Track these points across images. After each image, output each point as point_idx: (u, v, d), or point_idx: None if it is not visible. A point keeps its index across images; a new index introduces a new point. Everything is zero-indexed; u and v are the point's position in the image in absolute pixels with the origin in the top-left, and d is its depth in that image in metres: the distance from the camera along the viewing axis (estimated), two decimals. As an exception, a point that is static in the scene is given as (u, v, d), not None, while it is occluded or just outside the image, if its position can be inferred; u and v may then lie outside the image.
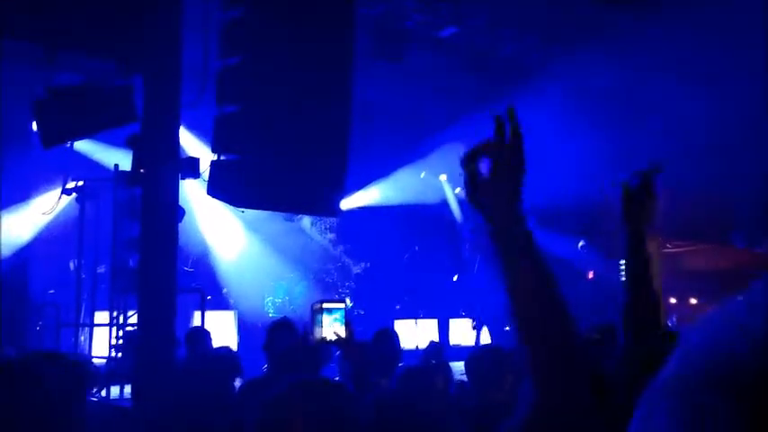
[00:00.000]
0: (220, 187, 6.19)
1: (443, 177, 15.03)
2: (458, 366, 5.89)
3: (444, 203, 15.16)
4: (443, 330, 12.87)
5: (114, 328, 7.87)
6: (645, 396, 0.47)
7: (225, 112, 6.15)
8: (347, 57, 6.48)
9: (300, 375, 3.52)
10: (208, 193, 6.30)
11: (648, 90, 14.38)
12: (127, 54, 6.16)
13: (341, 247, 14.25)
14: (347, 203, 12.88)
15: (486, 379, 3.69)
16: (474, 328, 12.87)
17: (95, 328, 8.70)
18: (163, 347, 6.04)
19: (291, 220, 13.15)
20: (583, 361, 1.24)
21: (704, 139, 14.19)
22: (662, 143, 15.83)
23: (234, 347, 10.55)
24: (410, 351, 8.66)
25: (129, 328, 7.67)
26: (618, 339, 3.40)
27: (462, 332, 13.06)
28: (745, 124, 13.57)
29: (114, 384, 7.45)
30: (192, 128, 9.91)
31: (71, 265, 10.00)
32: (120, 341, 7.75)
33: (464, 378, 4.38)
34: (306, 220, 13.47)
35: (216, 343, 6.55)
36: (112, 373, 7.29)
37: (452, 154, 13.62)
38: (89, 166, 9.81)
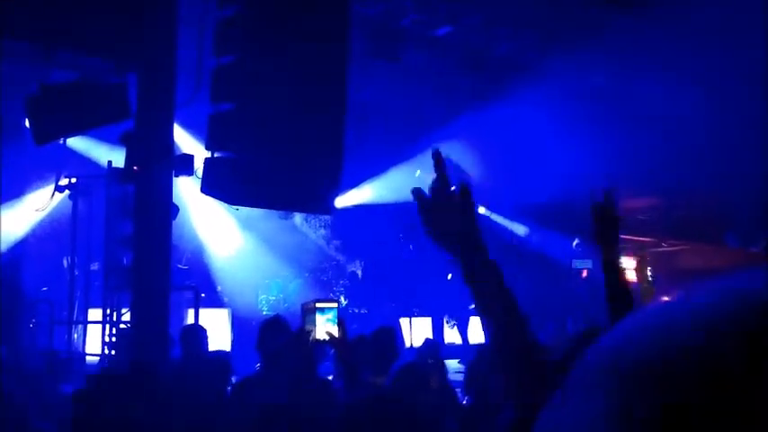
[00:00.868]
0: (214, 185, 6.18)
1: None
2: (452, 364, 5.90)
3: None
4: (438, 329, 12.88)
5: (108, 326, 7.85)
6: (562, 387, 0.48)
7: (219, 109, 6.14)
8: (342, 55, 6.48)
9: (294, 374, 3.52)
10: (201, 191, 6.29)
11: (645, 90, 14.41)
12: (122, 52, 6.15)
13: (335, 243, 14.25)
14: (342, 201, 12.87)
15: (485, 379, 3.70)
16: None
17: (89, 326, 8.68)
18: (156, 345, 6.04)
19: (286, 218, 13.13)
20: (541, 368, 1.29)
21: (701, 139, 14.22)
22: (659, 143, 15.88)
23: (227, 345, 10.58)
24: (405, 349, 8.65)
25: (122, 326, 7.65)
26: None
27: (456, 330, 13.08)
28: (742, 125, 13.61)
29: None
30: (187, 125, 9.89)
31: (64, 263, 9.97)
32: (114, 338, 7.73)
33: (458, 376, 4.40)
34: (298, 217, 13.46)
35: (210, 341, 6.53)
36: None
37: (448, 152, 13.65)
38: (82, 163, 9.78)
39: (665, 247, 16.16)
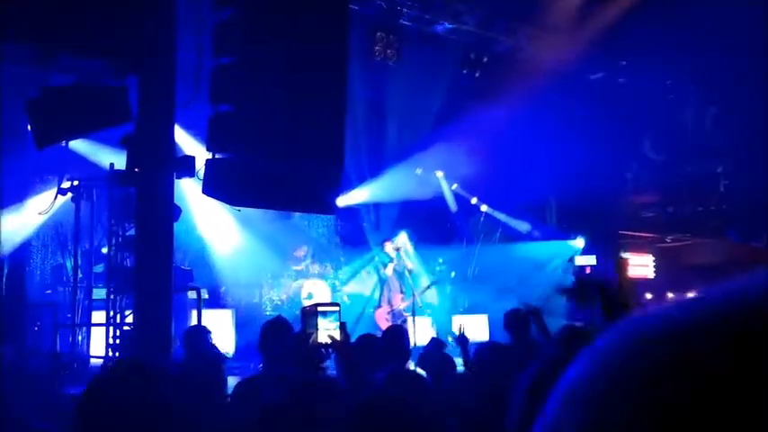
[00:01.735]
0: (215, 186, 6.20)
1: (440, 174, 15.03)
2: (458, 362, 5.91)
3: (441, 199, 15.17)
4: (442, 327, 12.88)
5: (111, 328, 7.86)
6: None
7: (219, 110, 6.16)
8: (342, 55, 6.49)
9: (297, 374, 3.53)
10: (203, 192, 6.31)
11: (644, 88, 14.41)
12: (122, 55, 6.17)
13: (335, 241, 14.26)
14: (343, 201, 12.88)
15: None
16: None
17: (93, 328, 8.70)
18: (160, 346, 6.05)
19: (289, 218, 13.14)
20: None
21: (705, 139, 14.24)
22: (659, 140, 15.87)
23: (231, 346, 10.60)
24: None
25: (126, 328, 7.66)
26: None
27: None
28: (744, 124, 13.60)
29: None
30: (188, 127, 9.91)
31: (68, 265, 9.99)
32: (118, 341, 7.74)
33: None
34: (298, 217, 13.49)
35: (214, 341, 6.54)
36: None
37: (448, 150, 13.66)
38: (85, 166, 9.80)
39: (668, 243, 16.15)
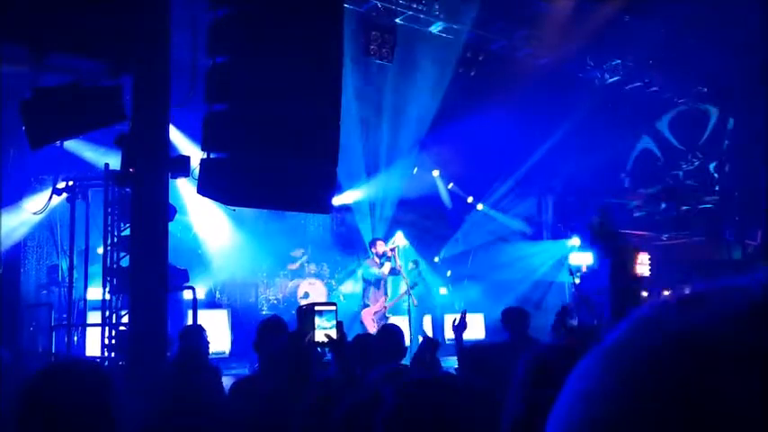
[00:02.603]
0: (211, 186, 6.18)
1: (436, 173, 15.05)
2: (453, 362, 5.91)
3: (437, 198, 15.18)
4: (437, 325, 12.88)
5: (107, 328, 7.85)
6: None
7: (214, 110, 6.14)
8: (336, 54, 6.47)
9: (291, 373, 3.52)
10: (198, 192, 6.30)
11: (639, 87, 14.43)
12: (116, 54, 6.15)
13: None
14: (338, 200, 12.88)
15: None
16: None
17: (88, 329, 8.68)
18: (155, 346, 6.05)
19: (285, 218, 13.14)
20: None
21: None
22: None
23: (227, 346, 10.59)
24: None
25: (122, 328, 7.65)
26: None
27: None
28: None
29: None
30: (183, 127, 9.90)
31: (63, 266, 9.98)
32: (114, 341, 7.72)
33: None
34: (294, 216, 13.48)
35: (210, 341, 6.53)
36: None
37: (444, 149, 13.66)
38: (80, 166, 9.78)
39: (664, 241, 16.17)
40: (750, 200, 13.92)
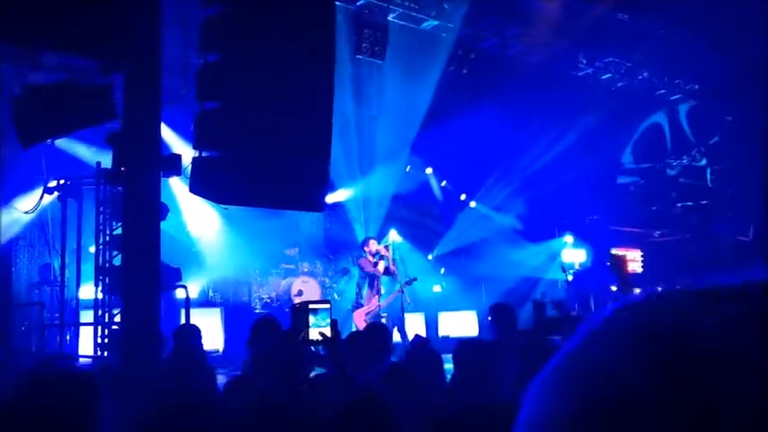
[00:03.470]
0: (203, 184, 6.17)
1: (429, 170, 15.06)
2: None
3: (430, 196, 15.19)
4: (431, 323, 12.91)
5: (100, 327, 7.82)
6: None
7: (206, 108, 6.13)
8: (329, 51, 6.47)
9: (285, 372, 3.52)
10: (190, 191, 6.28)
11: (632, 85, 14.45)
12: (107, 52, 6.12)
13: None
14: (332, 198, 12.87)
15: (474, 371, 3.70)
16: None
17: (81, 328, 8.65)
18: (148, 345, 6.03)
19: (278, 216, 13.12)
20: None
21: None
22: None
23: (220, 344, 10.58)
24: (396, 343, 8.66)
25: (114, 327, 7.62)
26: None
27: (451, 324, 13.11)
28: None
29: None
30: (175, 125, 9.87)
31: (55, 265, 9.93)
32: (107, 340, 7.70)
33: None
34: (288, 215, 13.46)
35: (204, 339, 6.52)
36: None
37: (437, 146, 13.67)
38: (72, 165, 9.75)
39: (657, 238, 16.23)
40: (742, 197, 13.99)
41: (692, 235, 15.07)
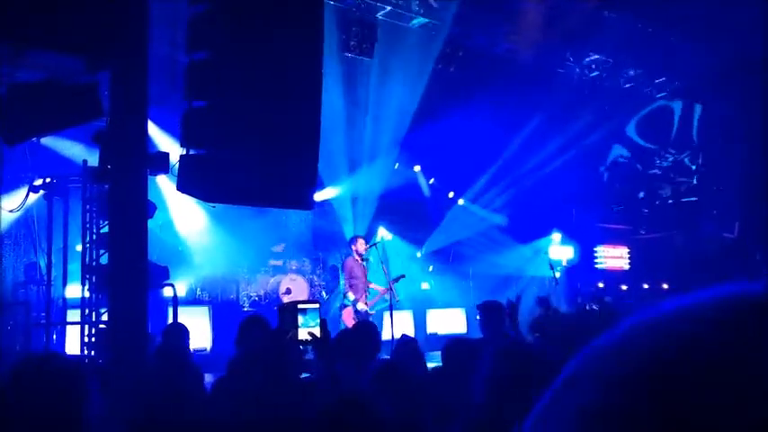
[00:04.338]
0: (190, 182, 6.14)
1: (417, 168, 15.07)
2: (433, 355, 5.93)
3: (418, 192, 15.20)
4: (419, 320, 12.92)
5: (87, 327, 7.79)
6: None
7: (193, 106, 6.10)
8: (317, 49, 6.45)
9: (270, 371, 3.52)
10: (177, 189, 6.25)
11: (620, 83, 14.54)
12: (93, 50, 6.08)
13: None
14: (320, 196, 12.85)
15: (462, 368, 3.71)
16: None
17: (68, 327, 8.60)
18: (135, 344, 5.99)
19: (266, 214, 13.09)
20: None
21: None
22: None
23: (208, 342, 10.55)
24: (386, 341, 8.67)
25: (101, 326, 7.59)
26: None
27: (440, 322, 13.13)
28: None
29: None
30: (162, 123, 9.83)
31: (41, 263, 9.87)
32: (94, 339, 7.67)
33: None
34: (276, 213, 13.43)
35: (192, 338, 6.51)
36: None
37: (425, 144, 13.68)
38: (58, 163, 9.68)
39: (643, 235, 16.33)
40: (728, 193, 14.09)
41: (678, 232, 15.18)
